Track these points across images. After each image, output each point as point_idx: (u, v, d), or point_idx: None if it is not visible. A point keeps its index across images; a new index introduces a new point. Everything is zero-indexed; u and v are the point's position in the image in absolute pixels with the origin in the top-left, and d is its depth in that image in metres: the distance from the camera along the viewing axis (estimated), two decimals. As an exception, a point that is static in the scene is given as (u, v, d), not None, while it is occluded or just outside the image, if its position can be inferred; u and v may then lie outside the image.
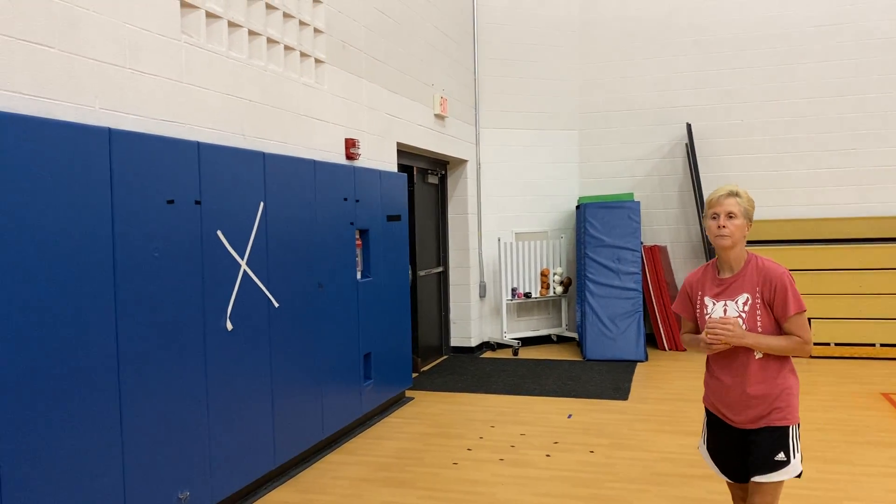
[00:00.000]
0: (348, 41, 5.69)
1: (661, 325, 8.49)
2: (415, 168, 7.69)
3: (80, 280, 3.01)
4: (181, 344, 3.61)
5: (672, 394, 6.47)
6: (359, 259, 5.58)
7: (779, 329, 2.70)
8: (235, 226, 4.04)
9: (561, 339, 9.35)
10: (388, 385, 6.03)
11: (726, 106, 8.93)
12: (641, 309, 8.16)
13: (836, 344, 7.96)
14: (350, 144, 5.59)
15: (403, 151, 7.04)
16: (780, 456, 2.66)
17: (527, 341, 9.08)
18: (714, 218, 2.75)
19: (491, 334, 9.07)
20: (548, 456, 4.88)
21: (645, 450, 4.94)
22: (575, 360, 8.08)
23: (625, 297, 8.19)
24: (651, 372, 7.44)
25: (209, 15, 4.11)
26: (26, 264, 2.78)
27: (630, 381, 7.01)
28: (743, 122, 8.88)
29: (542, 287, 9.13)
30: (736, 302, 2.73)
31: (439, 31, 7.70)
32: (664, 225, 9.25)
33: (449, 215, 8.73)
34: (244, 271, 4.11)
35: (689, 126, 8.89)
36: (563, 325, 9.39)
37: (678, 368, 7.54)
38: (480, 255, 8.93)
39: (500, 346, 8.96)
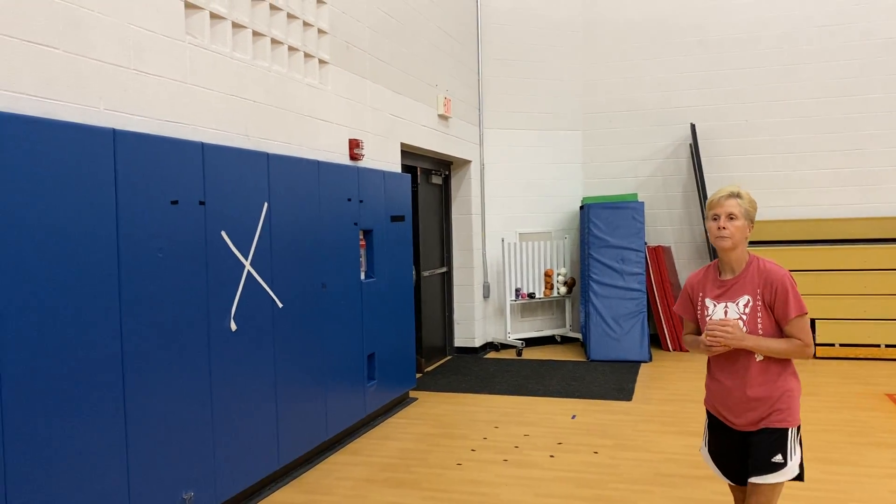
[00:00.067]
0: (352, 42, 5.69)
1: (665, 326, 8.47)
2: (418, 168, 7.69)
3: (84, 280, 3.02)
4: (185, 344, 3.61)
5: (676, 395, 6.46)
6: (362, 259, 5.58)
7: (780, 331, 2.69)
8: (239, 226, 4.05)
9: (565, 340, 9.34)
10: (392, 385, 6.03)
11: (730, 106, 8.92)
12: (645, 309, 8.15)
13: (841, 345, 7.95)
14: (354, 145, 5.60)
15: (407, 152, 7.04)
16: (778, 458, 2.65)
17: (530, 342, 9.07)
18: (715, 219, 2.73)
19: (495, 335, 9.07)
20: (551, 457, 4.87)
21: (649, 451, 4.94)
22: (579, 361, 8.07)
23: (629, 298, 8.18)
24: (655, 373, 7.43)
25: (213, 16, 4.11)
26: (30, 264, 2.79)
27: (634, 381, 7.00)
28: (747, 123, 8.86)
29: (545, 287, 9.13)
30: (737, 304, 2.72)
31: (443, 31, 7.70)
32: (668, 225, 9.24)
33: (453, 216, 8.73)
34: (248, 272, 4.11)
35: (693, 126, 8.88)
36: (567, 326, 9.39)
37: (682, 369, 7.53)
38: (484, 255, 8.93)
39: (504, 346, 8.96)
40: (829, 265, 8.19)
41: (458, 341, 8.73)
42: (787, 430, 2.68)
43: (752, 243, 8.30)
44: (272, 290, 4.33)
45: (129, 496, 3.24)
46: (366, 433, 5.50)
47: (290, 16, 4.85)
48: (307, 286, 4.72)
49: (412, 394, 6.68)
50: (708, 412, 2.93)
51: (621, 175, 9.37)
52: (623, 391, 6.62)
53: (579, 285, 9.11)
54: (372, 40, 6.04)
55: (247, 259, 4.11)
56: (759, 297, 2.68)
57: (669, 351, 8.45)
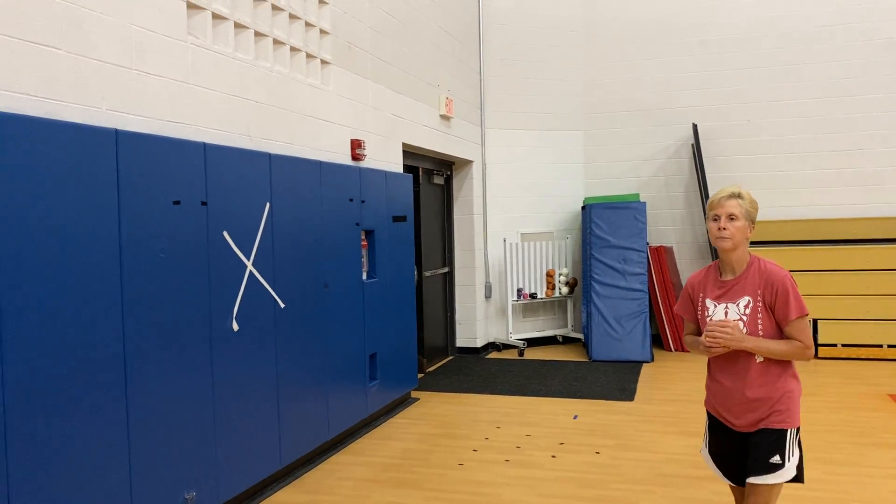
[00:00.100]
0: (354, 42, 5.70)
1: (667, 326, 8.47)
2: (420, 169, 7.69)
3: (85, 280, 3.02)
4: (187, 344, 3.61)
5: (678, 395, 6.45)
6: (364, 260, 5.58)
7: (780, 333, 2.68)
8: (241, 226, 4.05)
9: (566, 340, 9.33)
10: (394, 386, 6.03)
11: (732, 106, 8.91)
12: (647, 310, 8.15)
13: (843, 345, 7.94)
14: (356, 145, 5.60)
15: (409, 152, 7.04)
16: (776, 459, 2.65)
17: (532, 342, 9.07)
18: (715, 220, 2.73)
19: (496, 335, 9.07)
20: (553, 457, 4.87)
21: (651, 451, 4.93)
22: (581, 361, 8.07)
23: (631, 298, 8.17)
24: (657, 373, 7.42)
25: (215, 16, 4.12)
26: (32, 265, 2.79)
27: (636, 382, 7.00)
28: (749, 123, 8.85)
29: (547, 288, 9.12)
30: (737, 304, 2.71)
31: (444, 31, 7.70)
32: (670, 226, 9.24)
33: (454, 216, 8.73)
34: (250, 272, 4.11)
35: (695, 126, 8.87)
36: (569, 326, 9.38)
37: (684, 369, 7.52)
38: (486, 255, 8.93)
39: (506, 346, 8.96)
40: (831, 265, 8.18)
41: (460, 341, 8.73)
42: (786, 431, 2.67)
43: (754, 243, 8.29)
44: (274, 291, 4.34)
45: (131, 496, 3.25)
46: (367, 433, 5.50)
47: (291, 16, 4.85)
48: (309, 286, 4.72)
49: (414, 394, 6.68)
50: (708, 413, 2.93)
51: (623, 175, 9.37)
52: (625, 391, 6.61)
53: (581, 285, 9.11)
54: (373, 40, 6.04)
55: (249, 259, 4.11)
56: (759, 298, 2.68)
57: (671, 351, 8.44)
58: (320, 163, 4.91)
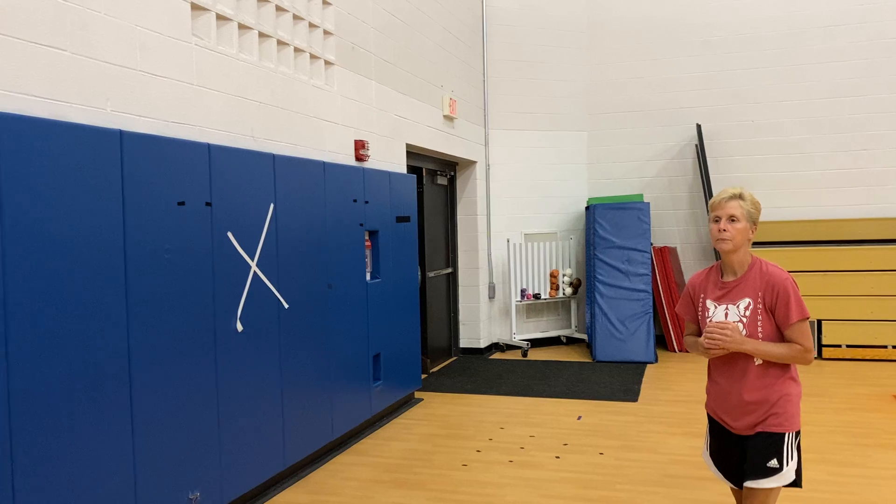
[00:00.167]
0: (358, 43, 5.70)
1: (671, 327, 8.46)
2: (424, 169, 7.69)
3: (91, 281, 3.03)
4: (191, 345, 3.62)
5: (682, 395, 6.45)
6: (368, 260, 5.58)
7: (780, 335, 2.66)
8: (246, 227, 4.06)
9: (570, 341, 9.33)
10: (398, 386, 6.04)
11: (736, 106, 8.90)
12: (651, 310, 8.14)
13: (848, 346, 7.92)
14: (359, 146, 5.60)
15: (413, 153, 7.05)
16: (773, 462, 2.63)
17: (536, 342, 9.07)
18: (716, 221, 2.71)
19: (500, 335, 9.06)
20: (557, 458, 4.87)
21: (655, 452, 4.93)
22: (584, 362, 8.06)
23: (634, 299, 8.16)
24: (661, 374, 7.42)
25: (220, 17, 4.12)
26: (38, 265, 2.80)
27: (640, 382, 6.99)
28: (753, 123, 8.84)
29: (551, 288, 9.12)
30: (737, 306, 2.69)
31: (448, 32, 7.71)
32: (674, 226, 9.23)
33: (458, 216, 8.73)
34: (254, 272, 4.12)
35: (698, 127, 8.86)
36: (573, 327, 9.38)
37: (688, 370, 7.51)
38: (490, 256, 8.93)
39: (510, 347, 8.95)
40: (835, 266, 8.16)
41: (464, 342, 8.73)
42: (784, 434, 2.65)
43: (758, 244, 8.29)
44: (278, 291, 4.34)
45: (136, 496, 3.25)
46: (371, 434, 5.51)
47: (295, 17, 4.86)
48: (313, 287, 4.73)
49: (417, 394, 6.68)
50: (709, 415, 2.92)
51: (627, 175, 9.36)
52: (629, 392, 6.61)
53: (585, 286, 9.10)
54: (377, 41, 6.05)
55: (253, 260, 4.12)
56: (760, 300, 2.66)
57: (675, 352, 8.44)
58: (324, 163, 4.92)
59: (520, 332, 9.04)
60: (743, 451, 2.75)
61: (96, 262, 3.06)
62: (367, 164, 5.77)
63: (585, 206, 9.15)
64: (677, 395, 6.49)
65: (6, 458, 2.66)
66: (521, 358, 8.41)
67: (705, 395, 2.96)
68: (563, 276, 9.15)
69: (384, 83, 6.16)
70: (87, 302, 3.01)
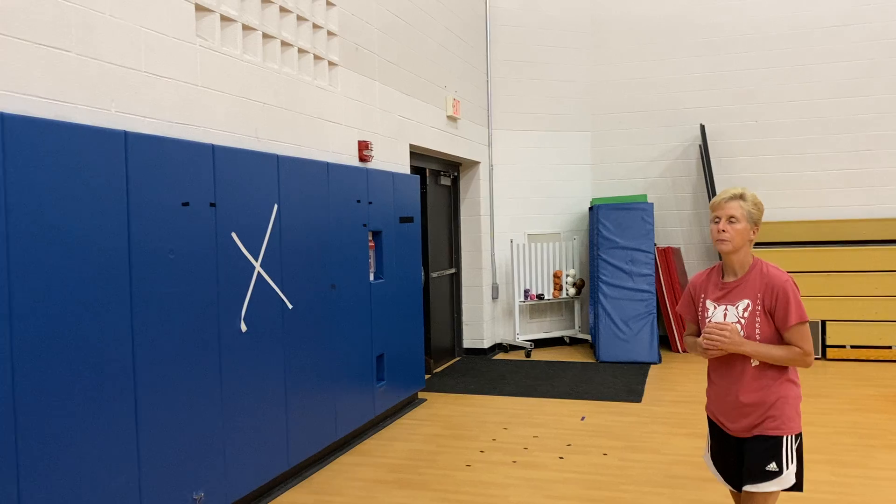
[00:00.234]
0: (361, 44, 5.71)
1: (674, 328, 8.45)
2: (427, 170, 7.70)
3: (95, 281, 3.04)
4: (196, 345, 3.63)
5: (686, 396, 6.44)
6: (371, 261, 5.59)
7: (779, 337, 2.64)
8: (250, 228, 4.06)
9: (574, 341, 9.32)
10: (401, 386, 6.04)
11: (740, 107, 8.89)
12: (655, 311, 8.13)
13: (852, 346, 7.91)
14: (363, 146, 5.61)
15: (416, 153, 7.05)
16: (772, 466, 2.60)
17: (539, 343, 9.07)
18: (716, 221, 2.69)
19: (503, 336, 9.06)
20: (561, 458, 4.87)
21: (659, 452, 4.92)
22: (588, 362, 8.06)
23: (638, 299, 8.16)
24: (665, 374, 7.41)
25: (224, 18, 4.13)
26: (43, 266, 2.81)
27: (643, 383, 6.99)
28: (757, 123, 8.83)
29: (554, 289, 9.11)
30: (736, 307, 2.67)
31: (452, 33, 7.71)
32: (678, 227, 9.22)
33: (461, 217, 8.73)
34: (258, 273, 4.13)
35: (702, 127, 8.85)
36: (576, 327, 9.37)
37: (692, 371, 7.51)
38: (493, 256, 8.92)
39: (513, 347, 8.95)
40: (839, 266, 8.14)
41: (467, 342, 8.73)
42: (782, 437, 2.62)
43: (762, 244, 8.27)
44: (282, 292, 4.35)
45: (140, 496, 3.26)
46: (375, 434, 5.51)
47: (299, 18, 4.87)
48: (317, 287, 4.73)
49: (421, 395, 6.68)
50: (708, 417, 2.92)
51: (630, 176, 9.35)
52: (632, 393, 6.60)
53: (588, 286, 9.10)
54: (381, 42, 6.05)
55: (257, 260, 4.12)
56: (759, 301, 2.63)
57: (679, 353, 8.43)
58: (328, 164, 4.92)
59: (523, 332, 9.04)
60: (741, 454, 2.73)
61: (101, 262, 3.06)
62: (371, 165, 5.77)
63: (589, 206, 9.14)
64: (681, 395, 6.48)
65: (11, 459, 2.67)
66: (525, 358, 8.41)
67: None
68: (567, 276, 9.15)
69: (388, 84, 6.16)
70: (92, 302, 3.02)
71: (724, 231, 2.66)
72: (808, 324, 2.62)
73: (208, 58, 3.96)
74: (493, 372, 7.68)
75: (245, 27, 4.32)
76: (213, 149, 3.78)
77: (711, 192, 8.51)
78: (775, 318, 2.62)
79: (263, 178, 4.20)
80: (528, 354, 8.55)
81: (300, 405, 4.53)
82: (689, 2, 9.02)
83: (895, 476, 4.39)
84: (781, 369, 2.66)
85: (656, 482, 4.39)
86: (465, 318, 8.72)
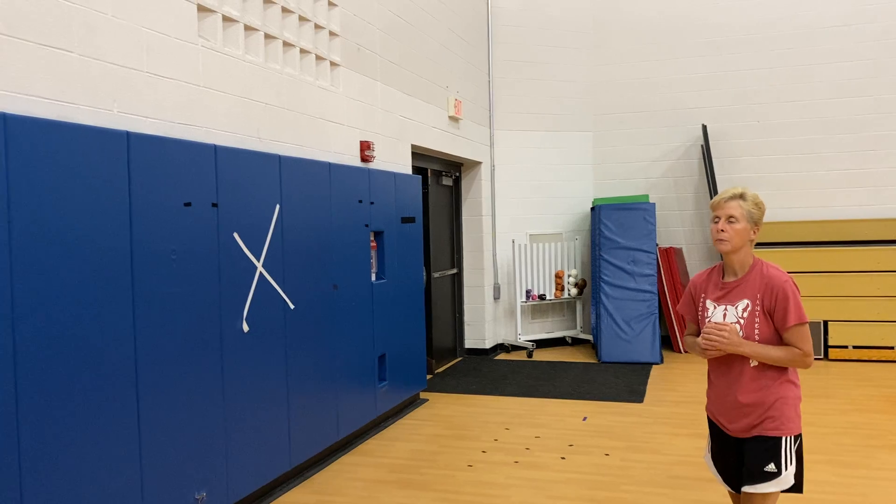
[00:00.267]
0: (363, 44, 5.71)
1: (676, 328, 8.44)
2: (429, 170, 7.70)
3: (97, 281, 3.04)
4: (198, 345, 3.63)
5: (688, 396, 6.44)
6: (373, 261, 5.59)
7: (778, 338, 2.63)
8: (252, 228, 4.07)
9: (575, 342, 9.32)
10: (403, 387, 6.04)
11: (742, 107, 8.88)
12: (657, 311, 8.13)
13: (854, 347, 7.90)
14: (365, 147, 5.61)
15: (418, 153, 7.05)
16: (771, 467, 2.59)
17: (541, 343, 9.06)
18: (715, 221, 2.69)
19: (505, 336, 9.06)
20: (563, 459, 4.87)
21: (661, 453, 4.92)
22: (590, 363, 8.05)
23: (640, 300, 8.16)
24: (667, 374, 7.41)
25: (226, 19, 4.14)
26: (45, 266, 2.81)
27: (645, 383, 6.98)
28: (759, 124, 8.82)
29: (556, 289, 9.11)
30: (736, 307, 2.67)
31: (453, 33, 7.71)
32: (679, 227, 9.21)
33: (463, 217, 8.73)
34: (260, 273, 4.13)
35: (704, 127, 8.85)
36: (578, 328, 9.37)
37: (694, 371, 7.50)
38: (495, 256, 8.93)
39: (515, 347, 8.95)
40: (841, 267, 8.13)
41: (469, 342, 8.73)
42: (781, 438, 2.62)
43: (764, 244, 8.27)
44: (284, 292, 4.35)
45: (142, 496, 3.26)
46: (376, 434, 5.51)
47: (301, 18, 4.87)
48: (318, 287, 4.74)
49: (423, 395, 6.68)
50: (708, 418, 2.92)
51: (632, 176, 9.35)
52: (634, 393, 6.60)
53: (590, 287, 9.09)
54: (383, 42, 6.06)
55: (259, 261, 4.13)
56: (758, 302, 2.63)
57: (681, 353, 8.42)
58: (330, 164, 4.92)
59: (525, 332, 9.04)
60: (740, 455, 2.72)
61: (103, 262, 3.07)
62: (373, 165, 5.78)
63: (591, 206, 9.14)
64: (683, 396, 6.48)
65: (13, 458, 2.67)
66: (527, 359, 8.41)
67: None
68: (569, 276, 9.15)
69: (389, 84, 6.16)
70: (94, 302, 3.02)
71: (723, 231, 2.65)
72: (807, 325, 2.61)
73: (210, 58, 3.97)
74: (495, 372, 7.68)
75: (247, 28, 4.33)
76: (215, 149, 3.78)
77: (713, 192, 8.51)
78: (775, 318, 2.62)
79: (265, 178, 4.20)
80: (529, 355, 8.55)
81: (302, 405, 4.54)
82: (690, 2, 9.02)
83: (897, 477, 4.39)
84: (781, 370, 2.66)
85: (658, 483, 4.39)
86: (466, 318, 8.72)
